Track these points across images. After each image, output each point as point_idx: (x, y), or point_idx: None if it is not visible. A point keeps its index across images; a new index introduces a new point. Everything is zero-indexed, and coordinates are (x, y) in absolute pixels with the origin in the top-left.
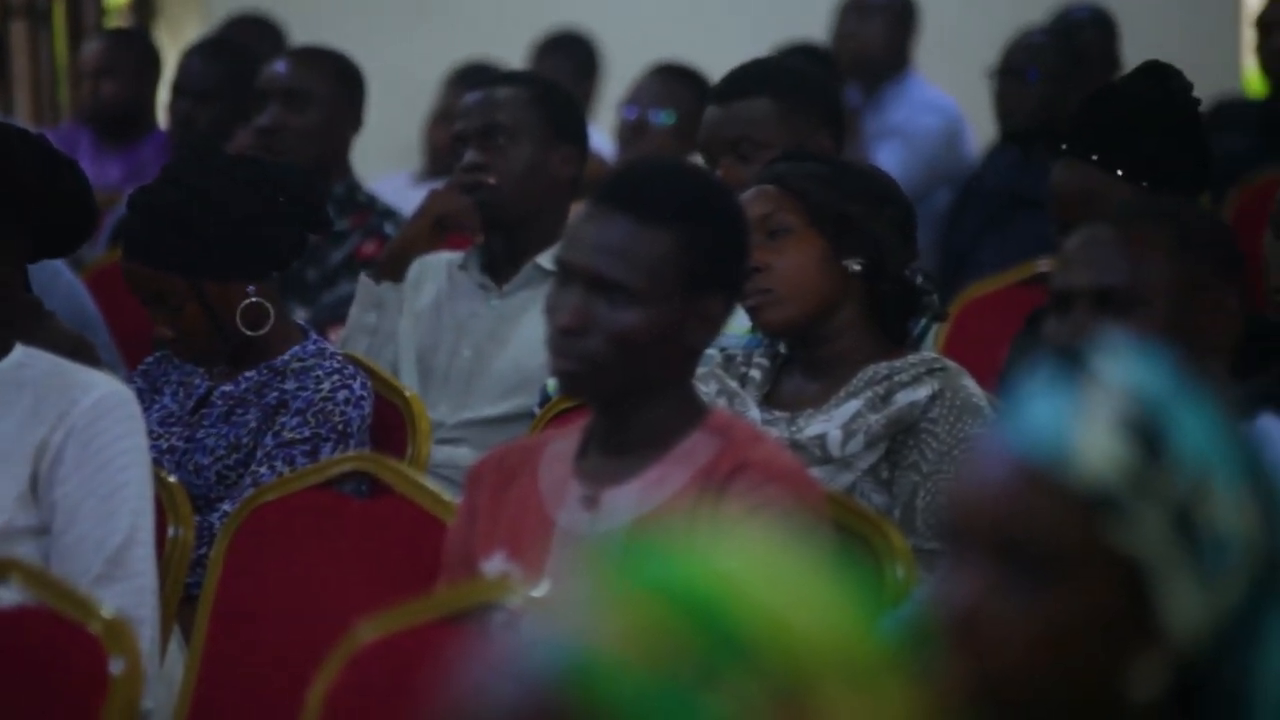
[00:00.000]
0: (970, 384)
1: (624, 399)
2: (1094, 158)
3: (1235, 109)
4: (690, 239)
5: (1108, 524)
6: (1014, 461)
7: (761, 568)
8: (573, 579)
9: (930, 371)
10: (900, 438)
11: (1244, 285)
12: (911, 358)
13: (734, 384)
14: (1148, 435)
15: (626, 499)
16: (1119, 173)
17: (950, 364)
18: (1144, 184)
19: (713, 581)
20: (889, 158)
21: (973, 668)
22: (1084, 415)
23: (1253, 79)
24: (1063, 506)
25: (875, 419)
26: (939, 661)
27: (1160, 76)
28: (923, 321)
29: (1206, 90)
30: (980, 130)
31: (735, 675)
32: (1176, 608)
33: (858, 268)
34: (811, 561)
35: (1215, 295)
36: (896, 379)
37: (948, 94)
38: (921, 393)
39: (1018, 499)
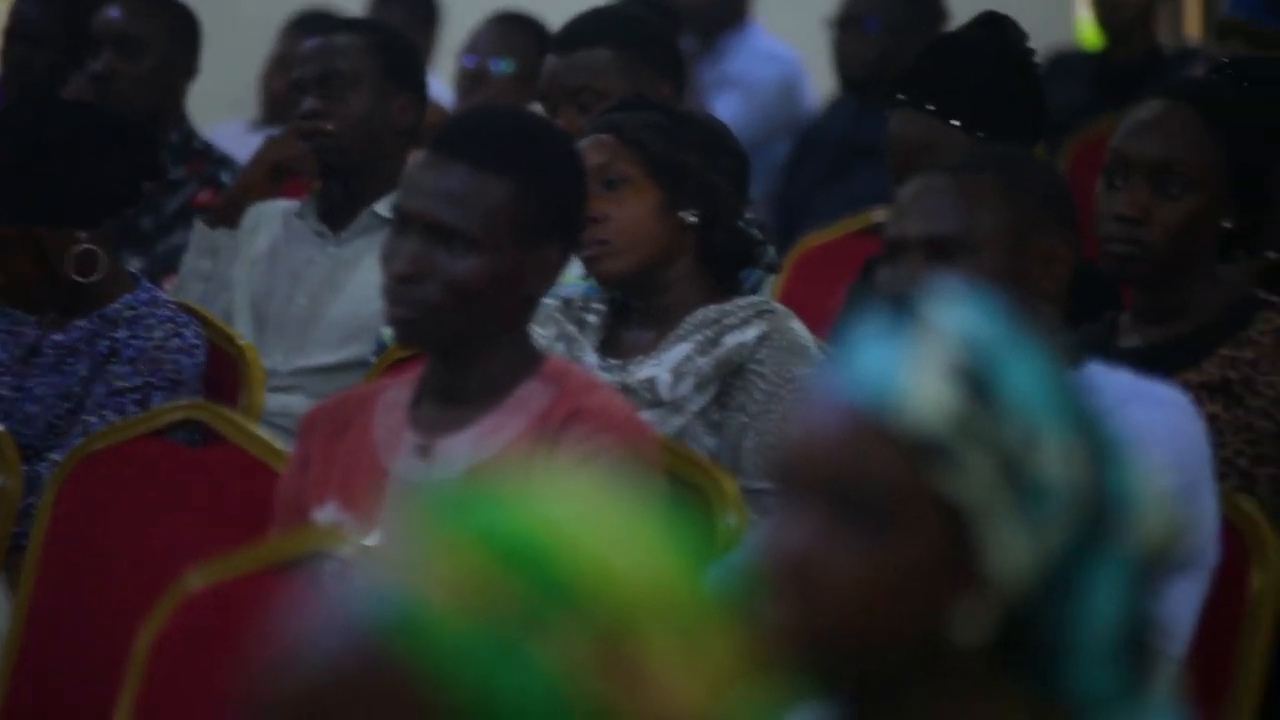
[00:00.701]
0: (798, 326)
1: (460, 347)
2: (930, 107)
3: (1071, 60)
4: (528, 187)
5: (935, 470)
6: (844, 408)
7: (589, 515)
8: (400, 528)
9: (759, 314)
10: (729, 379)
11: (1076, 234)
12: (740, 301)
13: (572, 328)
14: (976, 382)
15: (461, 448)
16: (955, 122)
17: (778, 306)
18: (980, 134)
19: (539, 529)
20: (727, 108)
21: (800, 614)
22: (913, 362)
23: (1087, 31)
24: (891, 452)
25: (704, 361)
26: (766, 607)
27: (996, 27)
28: (756, 273)
29: (1042, 42)
30: (820, 81)
31: (560, 622)
32: (1002, 554)
33: (693, 219)
34: (641, 509)
35: (1047, 244)
36: (725, 321)
37: (787, 44)
38: (749, 334)
39: (846, 445)
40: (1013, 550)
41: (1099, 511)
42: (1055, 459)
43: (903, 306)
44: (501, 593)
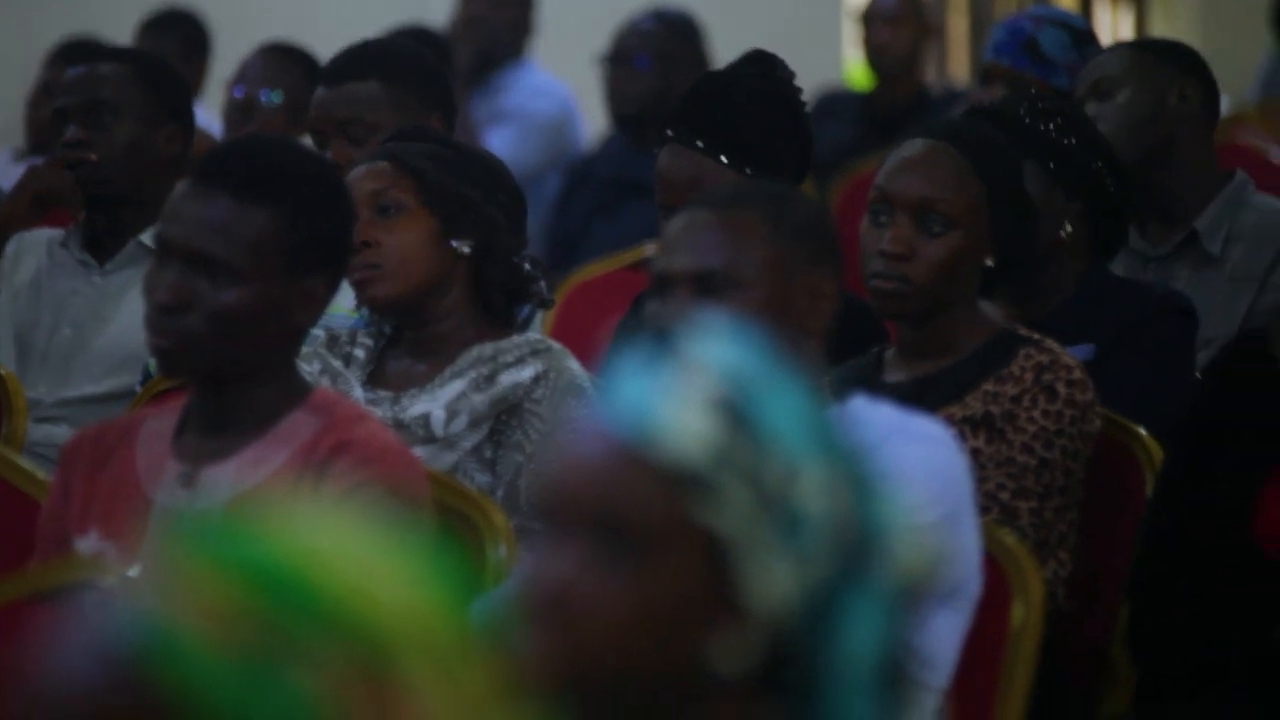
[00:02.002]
0: (574, 365)
1: (224, 378)
2: (699, 144)
3: (839, 100)
4: (292, 217)
5: (695, 501)
6: (607, 440)
7: (349, 546)
8: (159, 556)
9: (535, 352)
10: (504, 417)
11: (841, 270)
12: (517, 339)
13: (337, 363)
14: (736, 414)
15: (225, 477)
16: (723, 159)
17: (555, 345)
18: (747, 170)
19: (297, 558)
20: (501, 141)
21: (560, 646)
22: (673, 394)
23: (856, 72)
24: (651, 484)
25: (479, 399)
26: (526, 639)
27: (764, 65)
28: (528, 307)
29: (811, 81)
30: (593, 117)
31: (316, 650)
32: (761, 585)
33: (467, 249)
34: (403, 539)
35: (812, 279)
36: (501, 359)
37: (560, 80)
38: (526, 373)
39: (607, 477)
40: (773, 581)
41: (857, 543)
42: (814, 491)
43: (664, 340)
44: (258, 620)
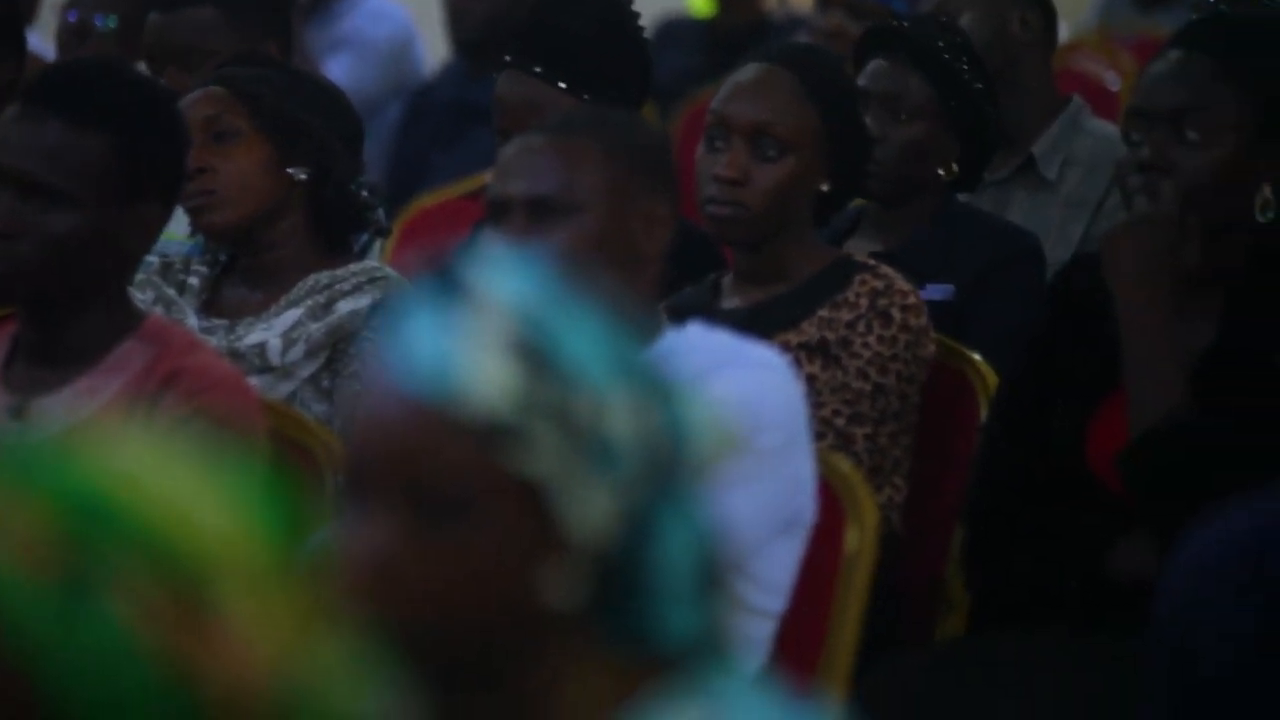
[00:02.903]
0: None
1: (56, 306)
2: (536, 70)
3: (680, 27)
4: (125, 142)
5: (506, 452)
6: (405, 400)
7: (168, 472)
8: None
9: (372, 280)
10: (341, 346)
11: (676, 196)
12: (354, 267)
13: (171, 291)
14: (535, 353)
15: (56, 408)
16: (561, 85)
17: (391, 273)
18: (586, 96)
19: (115, 485)
20: (339, 68)
21: (386, 618)
22: (469, 342)
23: None
24: (459, 443)
25: (316, 327)
26: (349, 609)
27: None
28: (365, 235)
29: (650, 8)
30: (433, 42)
31: (132, 576)
32: (581, 518)
33: (303, 176)
34: (230, 467)
35: (648, 205)
36: (338, 288)
37: (399, 4)
38: (363, 301)
39: (413, 442)
40: (592, 512)
41: (667, 459)
42: (622, 417)
43: (451, 280)
44: (69, 546)
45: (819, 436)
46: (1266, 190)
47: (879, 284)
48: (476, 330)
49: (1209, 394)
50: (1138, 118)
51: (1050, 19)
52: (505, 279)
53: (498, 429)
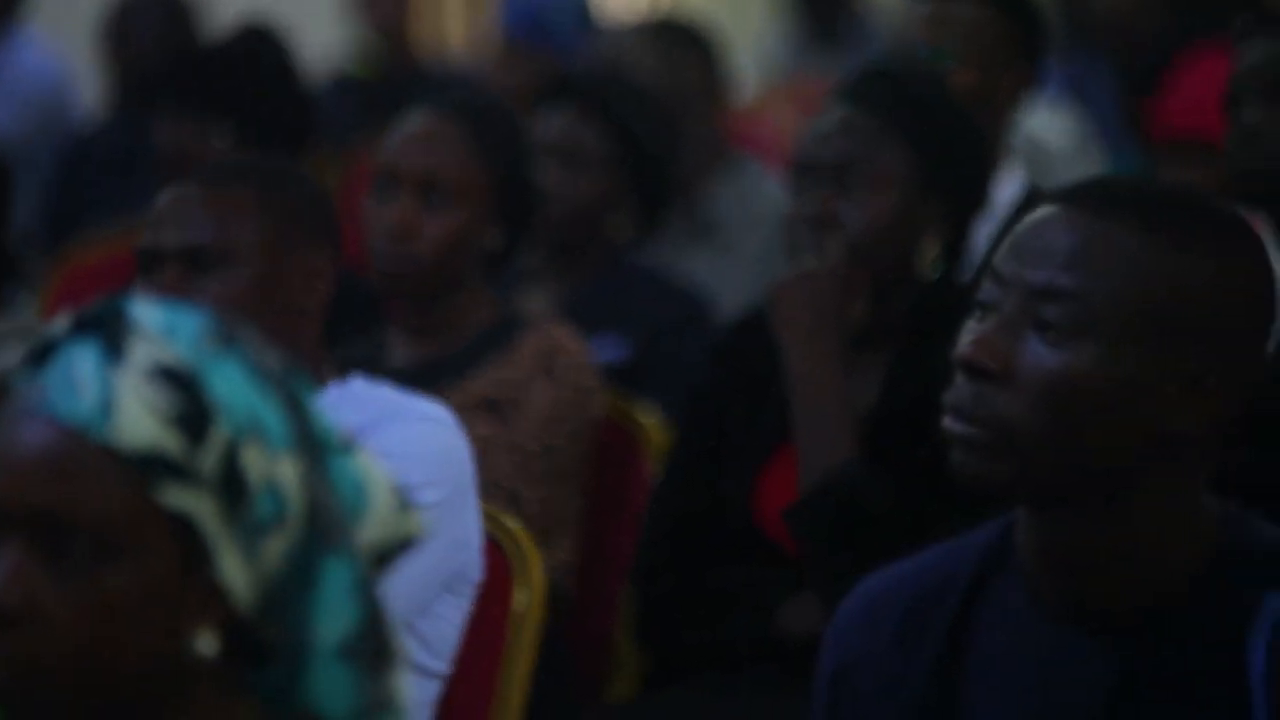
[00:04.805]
0: None
1: None
2: (194, 116)
3: (342, 83)
4: None
5: (156, 488)
6: (46, 430)
7: None
8: None
9: (21, 336)
10: None
11: (337, 248)
12: (1, 324)
13: None
14: (188, 396)
15: None
16: (220, 132)
17: (42, 326)
18: (244, 145)
19: None
20: None
21: (14, 659)
22: (123, 380)
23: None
24: (106, 477)
25: None
26: None
27: (259, 40)
28: (18, 289)
29: (311, 55)
30: (91, 87)
31: None
32: (230, 565)
33: None
34: None
35: (305, 256)
36: None
37: (55, 49)
38: (9, 358)
39: (56, 476)
40: (240, 560)
41: (326, 513)
42: (282, 468)
43: (104, 324)
44: None
45: (488, 495)
46: (933, 246)
47: (547, 343)
48: (132, 369)
49: (876, 451)
50: (803, 172)
51: (720, 71)
52: (165, 324)
53: (147, 465)
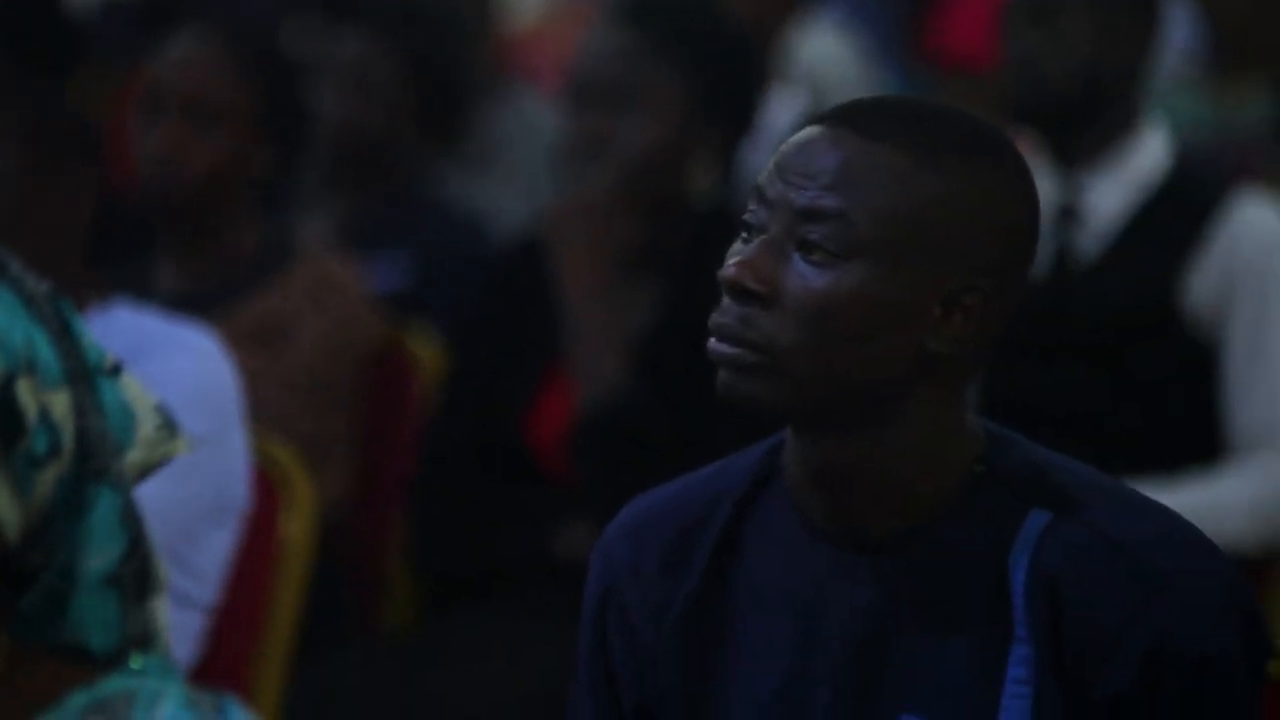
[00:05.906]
0: None
1: None
2: None
3: (119, 3)
4: None
5: None
6: None
7: None
8: None
9: None
10: None
11: (100, 171)
12: None
13: None
14: None
15: None
16: None
17: None
18: (12, 65)
19: None
20: None
21: None
22: None
23: None
24: None
25: None
26: None
27: None
28: None
29: None
30: None
31: None
32: (1, 501)
33: None
34: None
35: (68, 177)
36: None
37: None
38: None
39: None
40: (13, 493)
41: (94, 445)
42: (49, 398)
43: None
44: None
45: (259, 424)
46: (709, 170)
47: (319, 274)
48: None
49: (651, 374)
50: (577, 94)
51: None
52: None
53: None
